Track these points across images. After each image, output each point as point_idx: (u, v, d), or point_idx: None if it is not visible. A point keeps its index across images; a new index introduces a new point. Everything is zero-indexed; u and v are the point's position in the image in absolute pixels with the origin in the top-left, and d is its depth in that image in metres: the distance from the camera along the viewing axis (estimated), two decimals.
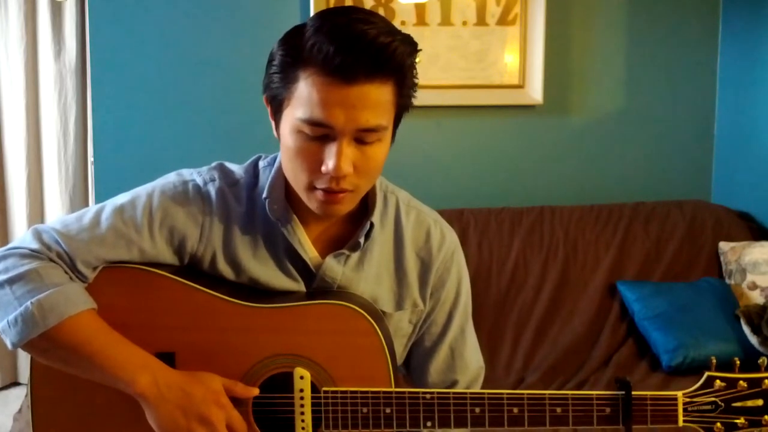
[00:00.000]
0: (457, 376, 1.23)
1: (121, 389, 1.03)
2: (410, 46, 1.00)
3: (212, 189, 1.13)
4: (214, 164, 1.18)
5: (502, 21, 2.78)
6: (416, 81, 1.05)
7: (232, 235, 1.12)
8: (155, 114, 2.67)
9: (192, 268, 1.14)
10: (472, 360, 1.25)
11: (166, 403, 1.02)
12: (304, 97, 0.98)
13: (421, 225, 1.20)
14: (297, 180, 1.05)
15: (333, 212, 1.06)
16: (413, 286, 1.19)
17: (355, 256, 1.14)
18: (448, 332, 1.22)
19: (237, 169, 1.17)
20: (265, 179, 1.13)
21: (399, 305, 1.18)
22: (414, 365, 1.25)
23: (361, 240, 1.13)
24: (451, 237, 1.22)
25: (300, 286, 1.14)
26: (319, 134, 0.99)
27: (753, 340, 2.28)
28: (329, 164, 0.99)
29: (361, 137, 1.00)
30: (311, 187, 1.03)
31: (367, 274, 1.16)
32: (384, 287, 1.17)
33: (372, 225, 1.13)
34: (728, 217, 2.76)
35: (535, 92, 2.79)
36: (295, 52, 0.98)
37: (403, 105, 1.05)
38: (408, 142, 2.80)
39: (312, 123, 0.98)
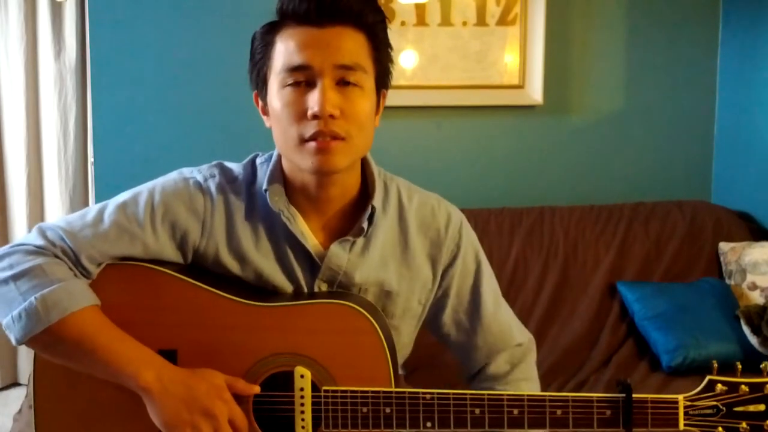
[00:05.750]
0: (507, 345, 1.26)
1: (123, 384, 1.04)
2: (370, 2, 1.07)
3: (212, 185, 1.15)
4: (213, 163, 1.20)
5: (502, 21, 2.77)
6: (391, 49, 1.12)
7: (234, 228, 1.14)
8: (155, 114, 2.67)
9: (195, 266, 1.15)
10: (516, 331, 1.27)
11: (170, 397, 1.02)
12: (282, 50, 1.05)
13: (424, 206, 1.22)
14: (288, 140, 1.06)
15: (327, 164, 1.05)
16: (423, 267, 1.20)
17: (359, 241, 1.15)
18: (481, 305, 1.24)
19: (235, 166, 1.19)
20: (263, 174, 1.15)
21: (407, 286, 1.19)
22: (457, 350, 1.28)
23: (365, 225, 1.14)
24: (456, 214, 1.24)
25: (302, 279, 1.15)
26: (301, 79, 1.03)
27: (753, 340, 2.27)
28: (314, 106, 1.02)
29: (342, 76, 1.04)
30: (302, 141, 1.05)
31: (372, 259, 1.17)
32: (390, 270, 1.18)
33: (374, 209, 1.14)
34: (728, 217, 2.75)
35: (535, 92, 2.79)
36: (270, 23, 1.09)
37: (381, 64, 1.10)
38: (408, 142, 2.82)
39: (292, 69, 1.03)
